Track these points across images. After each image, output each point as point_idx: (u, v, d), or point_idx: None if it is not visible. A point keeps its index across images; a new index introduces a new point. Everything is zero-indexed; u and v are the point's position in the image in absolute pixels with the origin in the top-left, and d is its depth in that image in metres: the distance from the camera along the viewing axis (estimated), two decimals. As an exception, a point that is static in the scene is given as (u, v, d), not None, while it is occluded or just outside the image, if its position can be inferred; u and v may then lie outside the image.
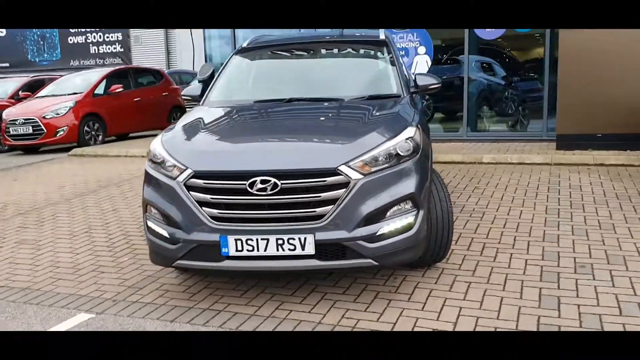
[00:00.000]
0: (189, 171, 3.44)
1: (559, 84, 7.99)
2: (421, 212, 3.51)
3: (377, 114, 3.96)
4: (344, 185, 3.32)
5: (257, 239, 3.34)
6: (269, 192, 3.31)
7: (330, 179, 3.31)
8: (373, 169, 3.37)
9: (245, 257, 3.38)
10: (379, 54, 4.85)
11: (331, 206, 3.31)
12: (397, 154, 3.47)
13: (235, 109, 4.34)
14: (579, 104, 7.88)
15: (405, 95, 4.34)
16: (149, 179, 3.72)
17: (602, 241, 4.44)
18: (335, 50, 5.07)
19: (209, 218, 3.40)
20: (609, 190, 5.98)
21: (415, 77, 4.55)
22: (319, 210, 3.32)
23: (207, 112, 4.32)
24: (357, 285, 3.84)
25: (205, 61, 11.10)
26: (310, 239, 3.31)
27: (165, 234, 3.55)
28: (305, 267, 3.38)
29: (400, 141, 3.52)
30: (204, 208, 3.41)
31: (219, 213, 3.39)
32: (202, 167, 3.44)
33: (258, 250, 3.35)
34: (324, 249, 3.34)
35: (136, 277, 4.19)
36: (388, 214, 3.40)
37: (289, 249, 3.33)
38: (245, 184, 3.33)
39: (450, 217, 3.91)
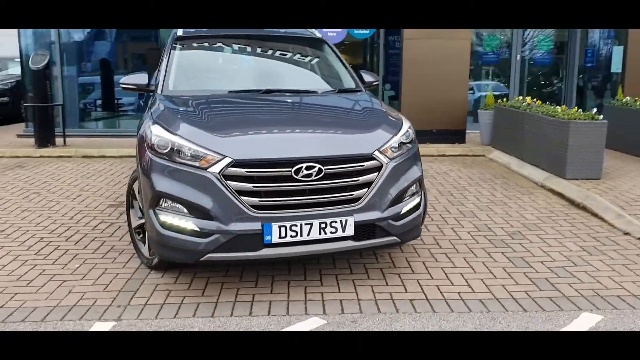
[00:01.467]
0: (227, 160, 3.34)
1: (402, 87, 9.10)
2: (422, 194, 3.97)
3: (371, 107, 4.27)
4: (377, 169, 3.59)
5: (300, 224, 3.42)
6: (314, 178, 3.42)
7: (367, 164, 3.56)
8: (394, 155, 3.70)
9: (287, 243, 3.43)
10: (324, 51, 5.11)
11: (366, 189, 3.55)
12: (405, 142, 3.85)
13: (222, 99, 4.22)
14: (417, 104, 9.08)
15: (363, 90, 4.72)
16: (160, 169, 3.48)
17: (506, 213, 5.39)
18: (280, 44, 5.17)
19: (249, 207, 3.36)
20: (471, 174, 7.13)
21: (361, 73, 4.96)
22: (355, 193, 3.53)
23: (194, 100, 4.10)
24: (357, 265, 4.11)
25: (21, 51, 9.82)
26: (350, 221, 3.50)
27: (194, 227, 3.39)
28: (343, 248, 3.57)
29: (405, 131, 3.91)
30: (242, 197, 3.36)
31: (260, 201, 3.38)
32: (244, 155, 3.37)
33: (301, 236, 3.43)
34: (359, 230, 3.56)
35: (116, 282, 3.81)
36: (406, 195, 3.77)
37: (331, 232, 3.48)
38: (290, 171, 3.38)
39: (426, 199, 4.41)
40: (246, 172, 3.36)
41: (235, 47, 5.11)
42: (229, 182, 3.35)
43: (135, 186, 4.05)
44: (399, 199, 3.70)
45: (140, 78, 4.50)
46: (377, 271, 4.01)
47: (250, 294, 3.64)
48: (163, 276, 3.90)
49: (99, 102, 10.86)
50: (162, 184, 3.46)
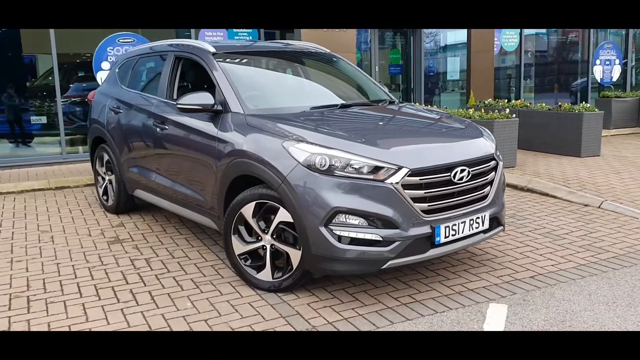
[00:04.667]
0: (404, 170, 3.53)
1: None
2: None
3: (445, 115, 4.72)
4: (495, 168, 4.09)
5: (458, 223, 3.76)
6: (465, 180, 3.79)
7: (491, 163, 4.05)
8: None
9: (449, 242, 3.74)
10: (342, 65, 5.36)
11: (489, 187, 4.03)
12: None
13: (326, 114, 4.27)
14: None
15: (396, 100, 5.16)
16: (329, 186, 3.49)
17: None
18: (309, 60, 5.25)
19: (421, 212, 3.60)
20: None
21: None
22: (485, 190, 3.99)
23: (302, 117, 4.12)
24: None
25: None
26: (487, 216, 3.96)
27: (376, 237, 3.50)
28: (480, 240, 4.01)
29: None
30: (416, 204, 3.58)
31: (429, 206, 3.64)
32: (418, 164, 3.58)
33: (459, 233, 3.78)
34: (489, 223, 4.02)
35: (265, 311, 3.64)
36: (501, 190, 4.34)
37: (475, 227, 3.89)
38: (449, 175, 3.71)
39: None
40: (419, 180, 3.58)
41: (273, 63, 5.07)
42: (406, 190, 3.54)
43: (246, 211, 3.89)
44: (502, 193, 4.25)
45: (205, 98, 4.25)
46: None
47: (405, 296, 3.83)
48: (299, 297, 3.84)
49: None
50: (338, 199, 3.48)
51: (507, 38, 12.58)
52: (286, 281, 3.84)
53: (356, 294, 3.87)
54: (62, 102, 9.04)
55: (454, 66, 12.61)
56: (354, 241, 3.50)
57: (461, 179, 3.76)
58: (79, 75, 9.87)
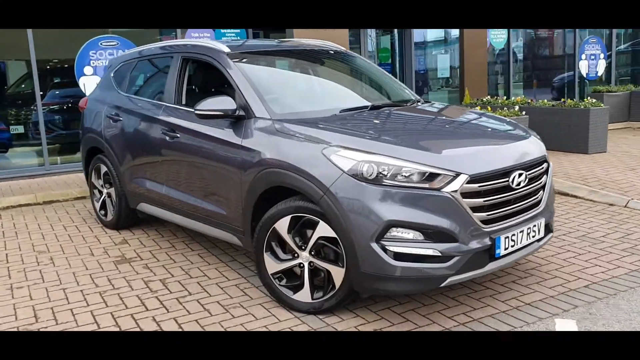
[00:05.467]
0: (463, 177, 3.19)
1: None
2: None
3: (484, 114, 4.43)
4: (547, 171, 3.79)
5: (517, 233, 3.45)
6: (522, 185, 3.48)
7: (544, 165, 3.75)
8: None
9: (508, 254, 3.43)
10: (361, 63, 5.02)
11: (542, 192, 3.73)
12: None
13: (357, 116, 3.92)
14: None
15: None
16: (381, 197, 3.14)
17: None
18: (326, 59, 4.89)
19: (480, 223, 3.27)
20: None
21: None
22: (538, 195, 3.69)
23: (337, 120, 3.80)
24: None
25: None
26: (542, 223, 3.66)
27: (434, 252, 3.16)
28: (535, 249, 3.70)
29: None
30: (474, 213, 3.25)
31: (487, 215, 3.31)
32: (476, 170, 3.25)
33: (518, 244, 3.47)
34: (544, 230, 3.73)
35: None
36: (550, 193, 4.04)
37: (532, 236, 3.59)
38: (508, 180, 3.39)
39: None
40: (479, 187, 3.26)
41: (291, 63, 4.70)
42: (464, 199, 3.20)
43: (281, 226, 3.52)
44: (553, 198, 3.95)
45: (226, 102, 3.85)
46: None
47: (460, 314, 3.50)
48: (343, 319, 3.48)
49: None
50: (391, 211, 3.13)
51: (496, 34, 12.40)
52: (328, 302, 3.48)
53: (405, 314, 3.53)
54: (43, 109, 8.48)
55: (443, 63, 12.36)
56: (408, 257, 3.16)
57: (519, 184, 3.45)
58: (60, 81, 9.31)
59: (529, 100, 9.21)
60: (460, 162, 3.27)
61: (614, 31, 14.62)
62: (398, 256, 3.15)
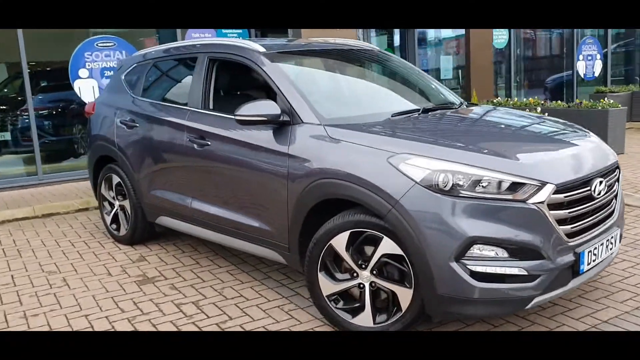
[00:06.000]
0: (549, 187, 2.88)
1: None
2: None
3: (545, 118, 4.16)
4: (618, 178, 3.50)
5: (597, 246, 3.16)
6: (603, 193, 3.19)
7: (617, 172, 3.46)
8: None
9: (590, 269, 3.13)
10: (406, 63, 4.70)
11: (614, 200, 3.44)
12: None
13: (410, 120, 3.60)
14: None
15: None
16: (460, 210, 2.82)
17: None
18: (367, 60, 4.57)
19: (565, 236, 2.97)
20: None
21: None
22: (612, 204, 3.40)
23: (394, 124, 3.52)
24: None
25: None
26: (618, 234, 3.38)
27: (519, 271, 2.84)
28: (610, 261, 3.40)
29: None
30: (560, 226, 2.95)
31: (571, 228, 3.01)
32: (562, 178, 2.94)
33: (599, 257, 3.18)
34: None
35: None
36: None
37: (610, 249, 3.30)
38: (590, 189, 3.09)
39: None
40: (564, 197, 2.95)
41: (330, 64, 4.35)
42: (551, 211, 2.89)
43: (338, 242, 3.18)
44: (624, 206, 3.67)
45: (270, 107, 3.49)
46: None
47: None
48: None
49: None
50: (473, 227, 2.81)
51: (498, 35, 12.20)
52: (393, 326, 3.13)
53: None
54: (35, 115, 7.99)
55: (446, 64, 12.12)
56: (491, 277, 2.84)
57: (599, 192, 3.15)
58: (53, 84, 8.82)
59: (542, 102, 8.99)
60: (544, 170, 2.95)
61: (609, 31, 14.54)
62: (479, 276, 2.83)
